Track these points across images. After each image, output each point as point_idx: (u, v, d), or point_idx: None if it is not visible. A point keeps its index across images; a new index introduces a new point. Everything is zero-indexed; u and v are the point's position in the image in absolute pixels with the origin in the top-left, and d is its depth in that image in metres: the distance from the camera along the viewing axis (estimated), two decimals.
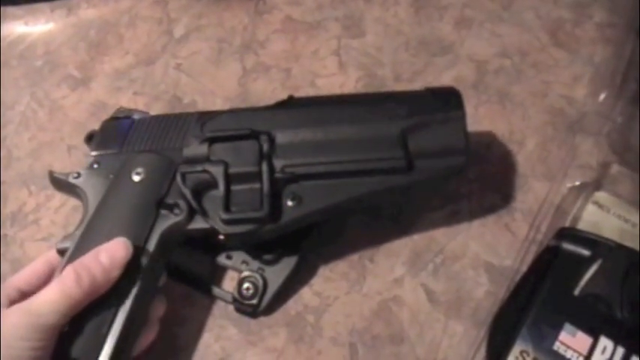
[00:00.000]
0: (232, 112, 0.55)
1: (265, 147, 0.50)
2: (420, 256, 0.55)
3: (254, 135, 0.50)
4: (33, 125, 0.66)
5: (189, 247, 0.54)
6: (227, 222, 0.48)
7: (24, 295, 0.46)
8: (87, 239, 0.47)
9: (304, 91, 0.64)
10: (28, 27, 0.73)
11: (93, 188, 0.50)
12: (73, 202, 0.60)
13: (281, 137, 0.51)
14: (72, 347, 0.43)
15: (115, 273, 0.44)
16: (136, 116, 0.55)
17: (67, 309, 0.42)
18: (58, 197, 0.60)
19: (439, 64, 0.66)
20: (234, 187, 0.50)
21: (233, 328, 0.53)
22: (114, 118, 0.56)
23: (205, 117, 0.53)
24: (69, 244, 0.47)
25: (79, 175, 0.51)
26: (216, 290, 0.55)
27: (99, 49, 0.70)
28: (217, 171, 0.49)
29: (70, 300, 0.42)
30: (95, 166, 0.52)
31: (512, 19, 0.68)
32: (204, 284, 0.55)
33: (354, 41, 0.68)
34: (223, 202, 0.49)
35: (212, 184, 0.50)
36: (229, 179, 0.49)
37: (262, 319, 0.53)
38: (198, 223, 0.49)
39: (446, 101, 0.52)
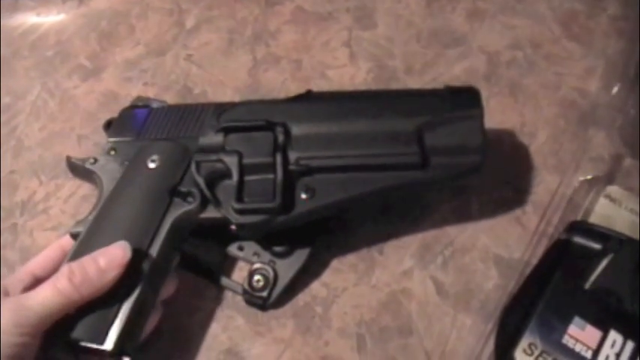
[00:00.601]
0: (249, 103, 0.55)
1: (280, 138, 0.50)
2: (429, 249, 0.55)
3: (269, 126, 0.50)
4: (43, 115, 0.66)
5: (201, 237, 0.54)
6: (239, 211, 0.48)
7: (38, 280, 0.46)
8: (100, 224, 0.48)
9: (315, 83, 0.64)
10: (39, 17, 0.73)
11: (108, 174, 0.51)
12: (82, 191, 0.60)
13: (297, 129, 0.51)
14: (76, 329, 0.43)
15: (112, 274, 0.43)
16: (154, 105, 0.56)
17: (58, 305, 0.41)
18: (68, 187, 0.61)
19: (451, 55, 0.65)
20: (248, 178, 0.50)
21: (241, 318, 0.53)
22: (132, 107, 0.57)
23: (222, 108, 0.53)
24: (82, 229, 0.48)
25: (95, 160, 0.52)
26: (226, 281, 0.54)
27: (110, 39, 0.71)
28: (231, 161, 0.49)
29: (62, 297, 0.42)
30: (112, 152, 0.52)
31: (524, 11, 0.67)
32: (214, 274, 0.55)
33: (365, 33, 0.67)
34: (236, 192, 0.49)
35: (226, 174, 0.50)
36: (243, 169, 0.49)
37: (270, 310, 0.53)
38: (211, 212, 0.49)
39: (464, 99, 0.52)
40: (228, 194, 0.49)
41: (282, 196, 0.48)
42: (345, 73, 0.65)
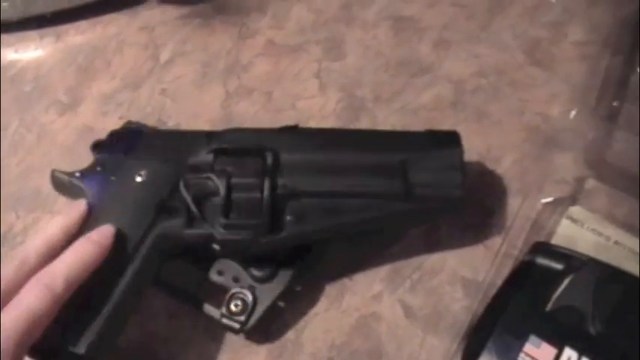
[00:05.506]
0: (240, 130, 0.57)
1: (269, 161, 0.51)
2: (398, 273, 0.56)
3: (259, 151, 0.52)
4: (21, 149, 0.67)
5: (182, 261, 0.55)
6: (225, 227, 0.49)
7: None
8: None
9: (286, 114, 0.66)
10: (17, 54, 0.75)
11: (94, 188, 0.51)
12: None
13: (285, 157, 0.52)
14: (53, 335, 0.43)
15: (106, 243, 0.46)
16: (145, 130, 0.58)
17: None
18: (45, 220, 0.62)
19: (418, 84, 0.67)
20: (235, 195, 0.50)
21: (214, 345, 0.54)
22: (123, 128, 0.58)
23: (213, 134, 0.54)
24: None
25: (81, 175, 0.53)
26: (205, 306, 0.54)
27: (87, 74, 0.72)
28: (220, 179, 0.50)
29: None
30: (98, 168, 0.53)
31: (489, 40, 0.69)
32: (193, 299, 0.55)
33: (334, 64, 0.69)
34: (223, 208, 0.49)
35: (214, 192, 0.50)
36: (231, 188, 0.50)
37: (242, 338, 0.54)
38: (196, 229, 0.50)
39: (445, 139, 0.55)
40: (215, 212, 0.50)
41: (268, 214, 0.49)
42: (315, 103, 0.66)
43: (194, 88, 0.69)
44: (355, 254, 0.57)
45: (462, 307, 0.54)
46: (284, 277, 0.54)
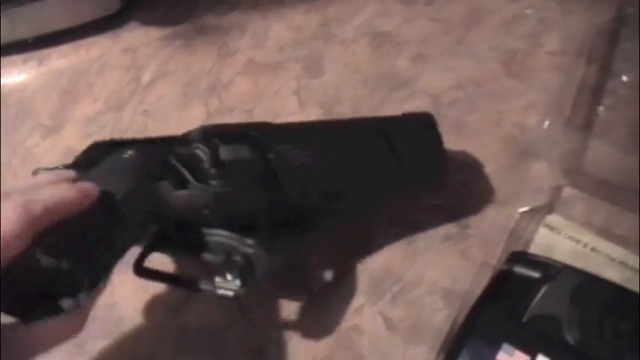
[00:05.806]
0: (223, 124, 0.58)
1: (256, 135, 0.52)
2: (378, 286, 0.57)
3: (246, 130, 0.52)
4: (7, 172, 0.68)
5: (173, 252, 0.56)
6: (217, 176, 0.49)
7: None
8: None
9: None
10: (1, 79, 0.76)
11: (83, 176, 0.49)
12: None
13: (274, 137, 0.53)
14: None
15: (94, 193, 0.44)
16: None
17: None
18: None
19: (396, 98, 0.68)
20: (226, 160, 0.50)
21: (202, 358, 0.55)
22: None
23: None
24: None
25: (65, 168, 0.51)
26: (199, 283, 0.51)
27: (70, 97, 0.73)
28: (208, 147, 0.51)
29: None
30: (83, 162, 0.52)
31: (466, 52, 0.70)
32: (188, 282, 0.52)
33: (313, 81, 0.70)
34: (211, 160, 0.50)
35: (204, 160, 0.50)
36: (218, 151, 0.51)
37: (227, 352, 0.55)
38: (187, 190, 0.49)
39: (418, 115, 0.59)
40: (206, 174, 0.50)
41: (261, 165, 0.50)
42: (295, 120, 0.67)
43: (175, 109, 0.70)
44: (336, 268, 0.58)
45: (442, 317, 0.54)
46: (280, 244, 0.53)
